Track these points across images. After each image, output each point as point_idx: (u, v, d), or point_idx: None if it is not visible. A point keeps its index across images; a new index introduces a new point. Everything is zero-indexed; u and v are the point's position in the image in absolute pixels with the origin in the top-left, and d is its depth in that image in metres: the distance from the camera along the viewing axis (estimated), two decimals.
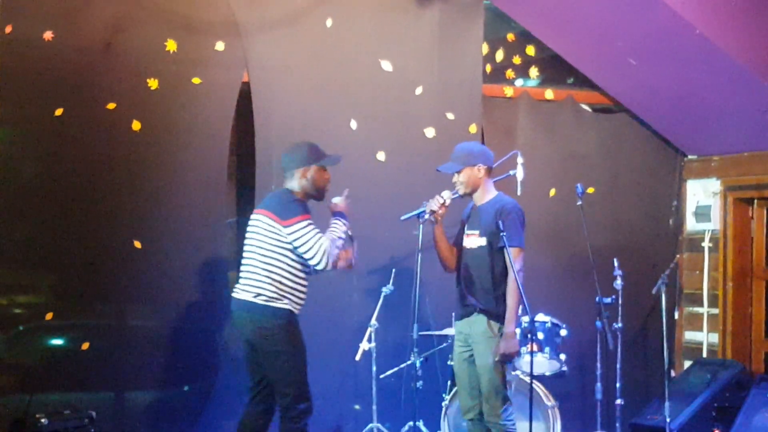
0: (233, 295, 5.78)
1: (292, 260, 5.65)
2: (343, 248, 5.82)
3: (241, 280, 5.77)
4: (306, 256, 5.60)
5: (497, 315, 5.65)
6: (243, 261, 5.79)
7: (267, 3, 7.03)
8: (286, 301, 5.62)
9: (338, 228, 5.80)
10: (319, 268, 5.65)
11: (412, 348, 5.78)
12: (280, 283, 5.62)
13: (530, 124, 7.90)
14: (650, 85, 7.63)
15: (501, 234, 5.51)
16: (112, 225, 6.60)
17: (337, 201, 5.98)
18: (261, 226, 5.70)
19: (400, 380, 6.70)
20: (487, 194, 5.84)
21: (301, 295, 5.73)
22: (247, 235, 5.81)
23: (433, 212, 5.72)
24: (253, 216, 5.82)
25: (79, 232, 6.51)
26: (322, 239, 5.60)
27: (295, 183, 5.82)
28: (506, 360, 5.62)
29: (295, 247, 5.61)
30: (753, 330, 8.10)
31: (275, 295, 5.60)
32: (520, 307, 5.63)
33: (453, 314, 6.01)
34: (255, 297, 5.63)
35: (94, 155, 6.55)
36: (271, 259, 5.64)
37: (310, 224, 5.61)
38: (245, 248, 5.79)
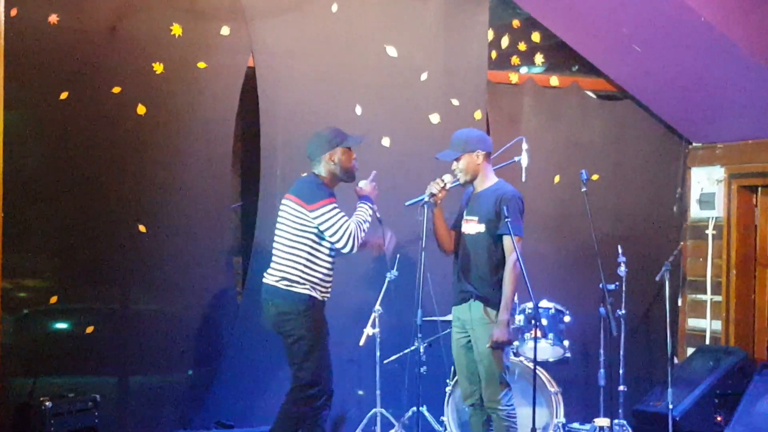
0: (263, 280, 5.84)
1: (317, 245, 5.71)
2: (370, 233, 5.89)
3: (270, 265, 5.83)
4: (332, 239, 5.65)
5: (494, 302, 5.65)
6: (273, 246, 5.85)
7: None
8: (308, 286, 5.67)
9: (364, 211, 5.86)
10: (345, 251, 5.70)
11: (416, 333, 5.79)
12: (304, 266, 5.68)
13: (535, 111, 7.90)
14: (655, 73, 7.62)
15: (506, 220, 5.48)
16: (117, 209, 6.61)
17: (363, 185, 6.03)
18: (288, 211, 5.76)
19: (404, 366, 6.69)
20: (486, 180, 5.81)
21: (326, 282, 5.79)
22: (277, 220, 5.86)
23: (432, 195, 5.73)
24: (282, 201, 5.87)
25: (83, 215, 6.53)
26: (348, 222, 5.66)
27: (322, 168, 5.86)
28: (499, 347, 5.61)
29: (321, 231, 5.65)
30: (756, 317, 8.10)
31: (298, 280, 5.66)
32: (517, 294, 5.63)
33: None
34: (278, 281, 5.71)
35: (99, 139, 6.55)
36: (297, 244, 5.70)
37: (335, 207, 5.66)
38: (275, 234, 5.85)
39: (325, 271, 5.76)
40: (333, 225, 5.62)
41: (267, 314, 5.81)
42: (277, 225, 5.84)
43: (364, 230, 5.76)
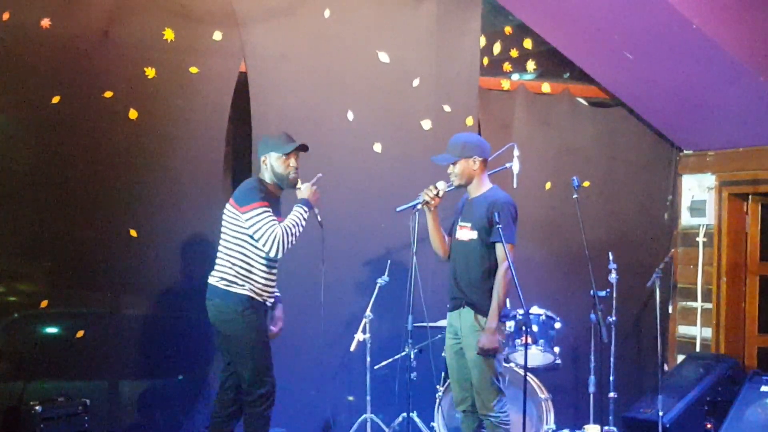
0: (208, 280, 5.88)
1: (252, 247, 5.75)
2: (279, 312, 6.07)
3: (214, 266, 5.88)
4: (259, 243, 5.70)
5: (485, 309, 5.63)
6: (218, 248, 5.90)
7: None
8: (246, 286, 5.73)
9: (297, 216, 5.85)
10: (270, 255, 5.74)
11: (407, 339, 5.79)
12: (241, 268, 5.74)
13: (527, 117, 7.91)
14: (646, 80, 7.63)
15: (497, 227, 5.47)
16: (108, 213, 6.60)
17: (303, 188, 6.00)
18: (227, 213, 5.83)
19: (395, 371, 6.69)
20: (481, 187, 5.81)
21: (264, 282, 5.82)
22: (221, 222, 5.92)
23: (426, 203, 5.72)
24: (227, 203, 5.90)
25: (74, 220, 6.51)
26: (276, 227, 5.67)
27: (263, 172, 5.93)
28: (486, 354, 5.61)
29: (251, 234, 5.69)
30: (746, 325, 8.12)
31: (235, 280, 5.73)
32: (508, 301, 5.63)
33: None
34: (218, 281, 5.78)
35: (90, 143, 6.53)
36: (232, 245, 5.77)
37: (265, 211, 5.68)
38: (220, 235, 5.90)
39: (263, 273, 5.80)
40: (260, 229, 5.66)
41: (209, 314, 5.87)
42: (221, 227, 5.89)
43: (294, 234, 5.77)
